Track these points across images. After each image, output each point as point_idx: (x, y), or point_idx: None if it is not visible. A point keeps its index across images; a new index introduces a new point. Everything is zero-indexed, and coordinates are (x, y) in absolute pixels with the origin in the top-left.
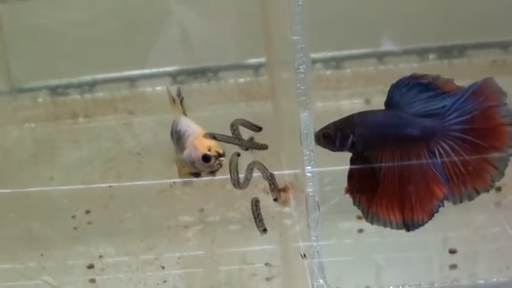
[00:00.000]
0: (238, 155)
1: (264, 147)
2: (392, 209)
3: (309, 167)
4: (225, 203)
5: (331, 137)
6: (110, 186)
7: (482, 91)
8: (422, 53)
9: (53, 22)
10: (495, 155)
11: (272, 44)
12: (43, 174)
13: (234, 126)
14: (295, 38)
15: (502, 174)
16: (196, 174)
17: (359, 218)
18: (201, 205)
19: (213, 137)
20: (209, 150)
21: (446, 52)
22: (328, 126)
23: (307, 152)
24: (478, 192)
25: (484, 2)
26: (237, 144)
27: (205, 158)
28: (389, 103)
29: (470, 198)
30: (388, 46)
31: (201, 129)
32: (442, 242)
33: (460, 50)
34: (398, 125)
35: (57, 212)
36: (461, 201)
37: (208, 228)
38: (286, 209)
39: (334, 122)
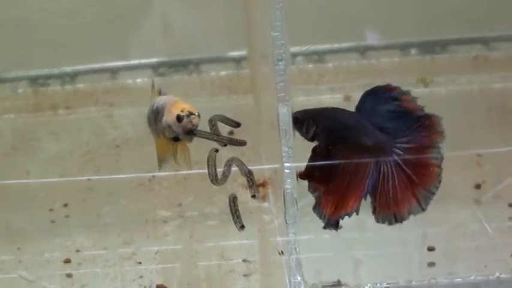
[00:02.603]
0: (217, 151)
1: (242, 143)
2: (331, 205)
3: (288, 164)
4: (204, 198)
5: (299, 121)
6: (89, 179)
7: (429, 127)
8: (404, 48)
9: (34, 12)
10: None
11: (253, 37)
12: (21, 167)
13: (212, 122)
14: (275, 34)
15: (423, 209)
16: (176, 139)
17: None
18: (179, 199)
19: (192, 132)
20: (182, 111)
21: (428, 47)
22: (301, 111)
23: (286, 149)
24: (396, 220)
25: None
26: (216, 140)
27: (178, 118)
28: (359, 108)
29: (390, 223)
30: (371, 38)
31: (177, 98)
32: (421, 238)
33: (442, 46)
34: (358, 131)
35: (34, 205)
36: (382, 222)
37: (186, 222)
38: (265, 204)
39: (309, 109)
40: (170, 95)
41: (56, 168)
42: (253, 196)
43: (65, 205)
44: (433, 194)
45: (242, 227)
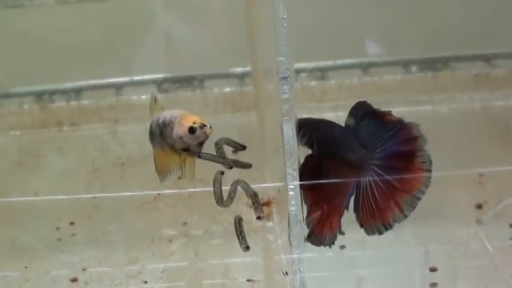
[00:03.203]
0: (222, 173)
1: (247, 166)
2: (317, 217)
3: (292, 185)
4: (209, 216)
5: (297, 128)
6: (94, 197)
7: (405, 135)
8: (406, 64)
9: (38, 27)
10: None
11: (256, 54)
12: (27, 184)
13: (218, 145)
14: (280, 58)
15: (405, 216)
16: (186, 150)
17: (341, 233)
18: (184, 218)
19: (198, 156)
20: (194, 123)
21: (430, 64)
22: (303, 118)
23: (291, 171)
24: (386, 229)
25: (467, 14)
26: (222, 163)
27: (191, 130)
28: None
29: (380, 232)
30: (372, 51)
31: (185, 111)
32: (423, 257)
33: (443, 62)
34: (344, 146)
35: (41, 223)
36: (373, 234)
37: (191, 241)
38: (269, 224)
39: (309, 118)
40: (176, 109)
41: (62, 185)
42: (259, 218)
43: (71, 223)
44: (419, 199)
45: (247, 248)
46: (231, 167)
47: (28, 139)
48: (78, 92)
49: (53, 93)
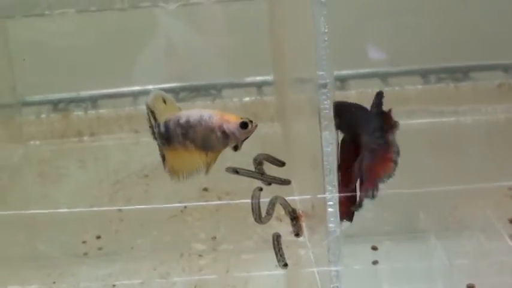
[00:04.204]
0: (261, 189)
1: (286, 182)
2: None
3: (331, 202)
4: (237, 230)
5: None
6: (120, 210)
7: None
8: (425, 74)
9: (54, 36)
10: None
11: (281, 63)
12: (50, 196)
13: (257, 161)
14: (321, 72)
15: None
16: (235, 147)
17: (374, 248)
18: (213, 232)
19: (236, 171)
20: (242, 118)
21: (450, 74)
22: (338, 102)
23: (330, 188)
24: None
25: (489, 24)
26: (260, 179)
27: (244, 125)
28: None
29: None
30: (374, 55)
31: (210, 109)
32: (458, 272)
33: (464, 72)
34: (364, 129)
35: (67, 237)
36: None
37: (221, 256)
38: (300, 238)
39: (341, 102)
40: (195, 108)
41: (85, 197)
42: (297, 235)
43: (98, 237)
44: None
45: (285, 265)
46: (269, 184)
47: (48, 149)
48: (94, 100)
49: (69, 101)
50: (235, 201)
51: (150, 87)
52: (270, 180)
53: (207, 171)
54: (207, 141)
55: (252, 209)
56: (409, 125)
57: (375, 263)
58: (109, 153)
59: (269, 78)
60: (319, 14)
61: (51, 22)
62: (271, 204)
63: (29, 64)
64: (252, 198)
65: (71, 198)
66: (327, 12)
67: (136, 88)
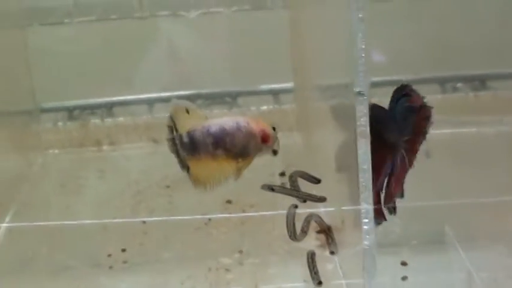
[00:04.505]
0: (296, 207)
1: (322, 199)
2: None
3: (366, 220)
4: (263, 244)
5: None
6: (144, 222)
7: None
8: (445, 82)
9: (68, 43)
10: None
11: (303, 71)
12: (72, 207)
13: (292, 178)
14: (358, 89)
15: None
16: (275, 152)
17: (403, 264)
18: (239, 246)
19: (271, 189)
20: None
21: (467, 82)
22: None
23: (366, 205)
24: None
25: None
26: (295, 196)
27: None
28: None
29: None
30: (376, 57)
31: (242, 116)
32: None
33: (482, 81)
34: (383, 127)
35: (92, 249)
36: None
37: (249, 271)
38: (327, 253)
39: (375, 104)
40: (224, 117)
41: (107, 209)
42: (332, 252)
43: (123, 250)
44: None
45: (320, 283)
46: (304, 201)
47: (67, 158)
48: (110, 107)
49: (84, 108)
50: (260, 213)
51: (166, 94)
52: (305, 197)
53: (237, 177)
54: (245, 147)
55: (286, 226)
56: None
57: (404, 278)
58: (129, 164)
59: (287, 85)
60: (358, 30)
61: (70, 30)
62: (306, 222)
63: (46, 71)
64: (287, 216)
65: (93, 210)
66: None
67: (151, 95)
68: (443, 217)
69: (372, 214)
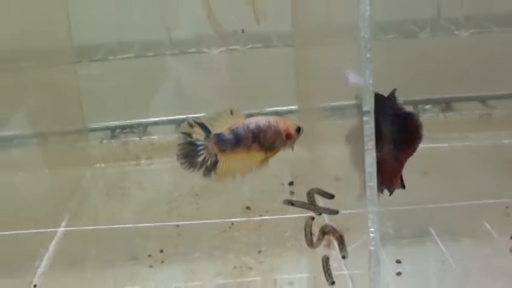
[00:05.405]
0: (313, 218)
1: (335, 212)
2: None
3: (373, 229)
4: (279, 244)
5: None
6: (177, 225)
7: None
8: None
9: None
10: None
11: (306, 89)
12: (117, 214)
13: (310, 194)
14: (366, 108)
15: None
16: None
17: (398, 262)
18: (258, 246)
19: (291, 203)
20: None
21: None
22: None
23: (371, 216)
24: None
25: None
26: (312, 210)
27: (298, 130)
28: None
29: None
30: (352, 79)
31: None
32: None
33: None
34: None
35: (135, 250)
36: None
37: (267, 267)
38: (332, 252)
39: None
40: (257, 116)
41: (146, 215)
42: (343, 257)
43: (161, 251)
44: None
45: (333, 283)
46: (320, 214)
47: (111, 172)
48: (145, 126)
49: (123, 127)
50: (275, 217)
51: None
52: (320, 211)
53: (264, 166)
54: (273, 142)
55: (304, 235)
56: None
57: (398, 274)
58: (163, 176)
59: (291, 107)
60: (366, 68)
61: (114, 65)
62: (321, 231)
63: (93, 97)
64: (305, 226)
65: (134, 216)
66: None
67: (178, 117)
68: (425, 219)
69: (377, 220)
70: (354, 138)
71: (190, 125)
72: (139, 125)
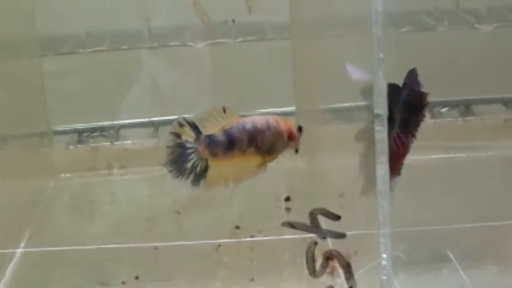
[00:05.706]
0: (316, 243)
1: (341, 236)
2: None
3: (385, 255)
4: (274, 271)
5: None
6: (156, 247)
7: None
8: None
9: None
10: None
11: (305, 93)
12: (86, 232)
13: (312, 215)
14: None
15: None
16: (296, 150)
17: None
18: (250, 274)
19: (292, 226)
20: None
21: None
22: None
23: (383, 240)
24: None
25: None
26: (315, 233)
27: (299, 129)
28: None
29: None
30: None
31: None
32: None
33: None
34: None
35: (106, 276)
36: None
37: None
38: (337, 281)
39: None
40: (254, 115)
41: (120, 234)
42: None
43: (136, 277)
44: None
45: None
46: (324, 237)
47: (78, 182)
48: (117, 129)
49: (92, 130)
50: (268, 238)
51: (173, 117)
52: (325, 234)
53: (262, 171)
54: (273, 145)
55: (306, 262)
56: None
57: None
58: (139, 188)
59: (288, 109)
60: (378, 69)
61: (83, 59)
62: (325, 257)
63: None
64: (307, 252)
65: (105, 234)
66: None
67: (160, 118)
68: (442, 240)
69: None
70: (364, 138)
71: (181, 125)
72: (110, 127)
